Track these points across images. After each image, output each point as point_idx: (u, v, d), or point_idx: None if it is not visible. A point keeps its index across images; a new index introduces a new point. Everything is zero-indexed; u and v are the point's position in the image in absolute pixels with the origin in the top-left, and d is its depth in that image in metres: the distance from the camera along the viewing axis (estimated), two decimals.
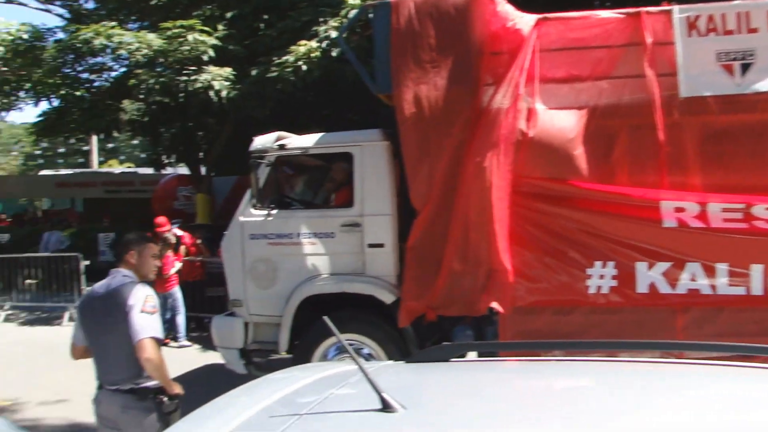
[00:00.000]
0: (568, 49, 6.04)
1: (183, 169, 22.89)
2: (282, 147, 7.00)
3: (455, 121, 6.08)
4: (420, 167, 6.21)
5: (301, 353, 6.87)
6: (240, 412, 1.90)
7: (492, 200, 5.83)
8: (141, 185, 25.90)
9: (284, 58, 11.49)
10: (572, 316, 5.99)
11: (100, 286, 4.19)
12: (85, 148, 50.58)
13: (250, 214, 7.08)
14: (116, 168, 48.26)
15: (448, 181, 6.12)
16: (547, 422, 1.81)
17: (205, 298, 12.01)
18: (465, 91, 6.09)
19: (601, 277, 5.85)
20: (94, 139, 37.13)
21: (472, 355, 3.99)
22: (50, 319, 13.57)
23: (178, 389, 4.02)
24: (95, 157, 44.88)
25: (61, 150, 57.10)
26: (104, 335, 4.01)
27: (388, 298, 6.63)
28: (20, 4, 15.74)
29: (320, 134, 7.19)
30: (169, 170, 22.82)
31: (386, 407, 1.75)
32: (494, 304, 5.95)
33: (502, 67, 6.01)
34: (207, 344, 10.84)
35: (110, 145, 53.98)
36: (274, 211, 6.98)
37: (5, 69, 14.77)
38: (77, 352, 4.28)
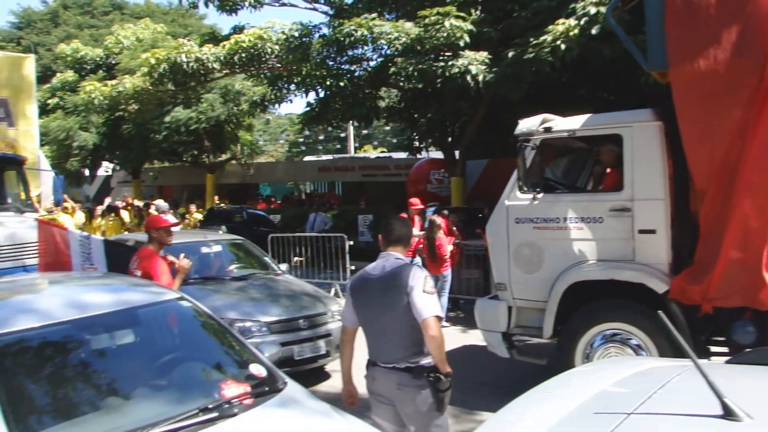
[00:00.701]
0: None
1: (435, 154, 23.41)
2: (547, 130, 6.82)
3: (740, 98, 5.54)
4: (700, 148, 5.76)
5: (565, 340, 6.71)
6: (558, 407, 1.83)
7: None
8: (395, 169, 26.91)
9: (541, 38, 11.26)
10: None
11: (373, 268, 4.29)
12: (342, 135, 53.78)
13: (516, 198, 7.00)
14: (371, 153, 50.53)
15: (728, 163, 5.61)
16: None
17: (461, 280, 12.15)
18: (751, 64, 5.51)
19: None
20: (350, 125, 39.24)
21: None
22: None
23: (449, 368, 4.08)
24: (351, 143, 47.44)
25: (321, 137, 61.14)
26: (382, 315, 4.15)
27: (659, 287, 6.22)
28: (291, 5, 16.88)
29: (586, 116, 6.90)
30: (423, 154, 23.36)
31: (729, 414, 1.59)
32: None
33: None
34: (464, 325, 11.01)
35: (365, 132, 56.71)
36: (540, 195, 6.83)
37: (279, 65, 15.97)
38: (349, 335, 4.46)
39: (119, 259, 6.85)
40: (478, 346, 8.73)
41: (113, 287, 4.79)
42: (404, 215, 11.69)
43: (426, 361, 4.07)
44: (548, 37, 11.15)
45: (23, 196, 9.29)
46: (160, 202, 16.40)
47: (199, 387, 3.90)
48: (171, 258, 6.47)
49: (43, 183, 10.68)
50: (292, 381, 4.06)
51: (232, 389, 3.72)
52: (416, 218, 11.80)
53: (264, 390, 3.84)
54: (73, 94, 25.70)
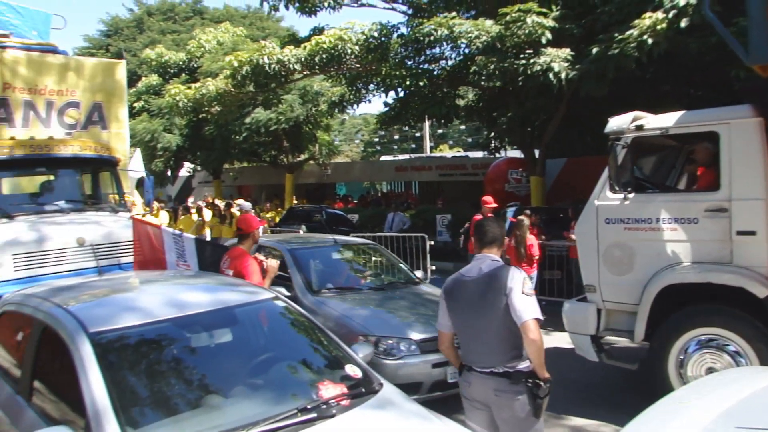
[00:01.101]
0: None
1: (512, 153, 23.14)
2: (639, 128, 6.61)
3: None
4: None
5: (658, 344, 6.49)
6: (694, 420, 1.73)
7: None
8: (472, 169, 26.69)
9: (627, 33, 10.94)
10: None
11: (468, 270, 4.24)
12: (418, 134, 53.73)
13: (606, 198, 6.81)
14: (447, 152, 50.33)
15: None
16: None
17: (543, 281, 11.94)
18: None
19: None
20: (426, 125, 39.19)
21: None
22: None
23: (547, 374, 3.98)
24: (427, 143, 47.33)
25: (396, 137, 61.25)
26: (478, 319, 4.07)
27: (760, 291, 5.94)
28: (370, 5, 16.92)
29: (679, 113, 6.66)
30: (500, 153, 23.12)
31: None
32: None
33: None
34: (546, 326, 10.80)
35: (440, 131, 56.57)
36: (631, 195, 6.64)
37: (358, 66, 16.04)
38: (446, 340, 4.39)
39: (208, 257, 6.98)
40: (564, 349, 8.57)
41: (210, 287, 4.88)
42: (479, 216, 11.62)
43: (524, 365, 4.00)
44: (634, 32, 10.82)
45: (116, 197, 9.60)
46: (243, 202, 16.67)
47: (296, 387, 3.93)
48: (260, 257, 6.55)
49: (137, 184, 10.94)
50: (387, 383, 4.04)
51: (329, 390, 3.73)
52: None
53: (360, 391, 3.84)
54: (158, 98, 26.50)
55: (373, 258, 9.37)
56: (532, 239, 10.67)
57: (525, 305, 3.90)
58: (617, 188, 6.72)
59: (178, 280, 5.27)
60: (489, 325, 4.02)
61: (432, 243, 13.62)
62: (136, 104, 28.75)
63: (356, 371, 4.08)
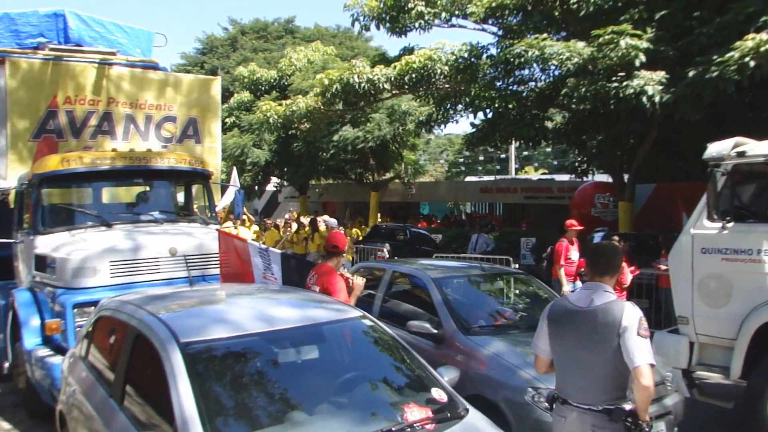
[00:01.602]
0: None
1: (599, 176, 22.65)
2: (741, 154, 6.33)
3: None
4: None
5: (757, 383, 6.17)
6: None
7: None
8: (558, 192, 26.30)
9: (727, 55, 10.54)
10: None
11: (577, 299, 3.99)
12: (503, 156, 53.33)
13: (703, 227, 6.54)
14: (533, 175, 49.74)
15: None
16: None
17: None
18: None
19: None
20: (512, 147, 38.83)
21: None
22: None
23: (648, 416, 3.75)
24: (512, 165, 46.93)
25: (481, 158, 60.95)
26: (585, 352, 3.85)
27: None
28: (460, 26, 16.92)
29: None
30: (587, 177, 22.68)
31: None
32: None
33: None
34: None
35: (525, 153, 55.97)
36: (730, 224, 6.35)
37: (447, 86, 16.03)
38: (544, 365, 4.20)
39: (294, 272, 7.03)
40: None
41: (298, 302, 4.91)
42: (563, 240, 11.37)
43: (625, 403, 3.79)
44: (735, 54, 10.42)
45: (208, 210, 9.82)
46: (329, 219, 16.84)
47: (380, 407, 3.90)
48: (347, 275, 6.56)
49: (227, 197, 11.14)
50: (473, 409, 3.95)
51: (414, 413, 3.68)
52: (575, 240, 11.40)
53: (446, 416, 3.79)
54: (249, 114, 27.17)
55: (528, 288, 8.10)
56: (624, 266, 10.36)
57: (640, 348, 3.65)
58: (715, 217, 6.44)
59: (266, 295, 5.33)
60: (596, 362, 3.80)
61: (516, 266, 13.38)
62: (227, 120, 29.58)
63: (442, 395, 4.02)
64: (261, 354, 4.16)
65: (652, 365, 3.65)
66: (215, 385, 3.82)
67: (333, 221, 16.34)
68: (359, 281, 6.38)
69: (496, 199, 31.66)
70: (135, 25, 12.98)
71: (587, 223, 16.48)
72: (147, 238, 7.94)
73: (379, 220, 27.00)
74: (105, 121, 10.86)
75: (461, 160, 64.69)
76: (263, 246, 7.61)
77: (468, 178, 46.93)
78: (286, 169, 29.66)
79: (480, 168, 64.93)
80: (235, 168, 19.72)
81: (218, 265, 7.96)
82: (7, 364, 8.43)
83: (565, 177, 28.53)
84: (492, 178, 43.04)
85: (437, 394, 3.99)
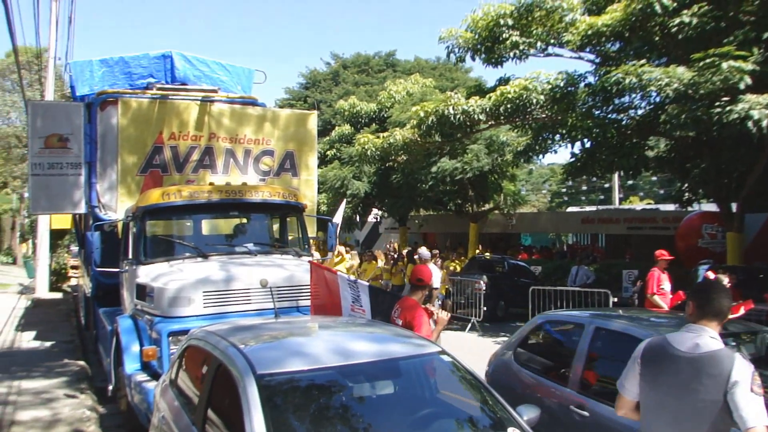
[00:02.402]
0: None
1: (706, 206, 21.70)
2: None
3: None
4: None
5: None
6: None
7: None
8: (662, 222, 25.35)
9: None
10: None
11: (679, 341, 3.57)
12: (606, 185, 52.02)
13: None
14: (637, 205, 48.23)
15: None
16: None
17: None
18: None
19: None
20: (615, 176, 37.79)
21: None
22: None
23: None
24: (615, 194, 45.67)
25: (584, 188, 59.65)
26: (682, 404, 3.47)
27: None
28: (556, 55, 16.70)
29: None
30: (693, 207, 21.78)
31: None
32: None
33: None
34: None
35: (630, 182, 54.39)
36: None
37: (544, 116, 15.80)
38: (626, 407, 3.81)
39: (381, 305, 7.03)
40: None
41: (378, 336, 4.90)
42: (655, 270, 10.91)
43: None
44: None
45: (301, 242, 10.01)
46: (423, 251, 16.82)
47: None
48: (431, 308, 6.51)
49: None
50: None
51: None
52: (666, 272, 10.94)
53: None
54: (349, 146, 27.59)
55: None
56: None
57: (753, 407, 3.24)
58: None
59: (347, 328, 5.33)
60: (692, 415, 3.42)
61: (615, 299, 12.94)
62: (328, 152, 30.15)
63: None
64: (336, 387, 4.15)
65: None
66: (288, 417, 3.85)
67: (426, 254, 16.28)
68: (444, 315, 6.32)
69: (598, 230, 30.77)
70: (243, 62, 13.52)
71: (695, 255, 15.81)
72: (239, 270, 8.14)
73: (478, 251, 26.70)
74: (206, 155, 11.29)
75: (563, 190, 63.50)
76: (352, 278, 7.66)
77: (570, 209, 45.93)
78: (386, 201, 29.88)
79: (583, 198, 63.57)
80: (345, 201, 19.96)
81: (309, 297, 8.06)
82: (110, 387, 8.78)
83: (670, 207, 27.41)
84: (594, 208, 41.95)
85: None
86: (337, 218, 16.31)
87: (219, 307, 7.71)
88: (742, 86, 11.36)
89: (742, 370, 3.31)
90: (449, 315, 6.49)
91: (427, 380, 4.56)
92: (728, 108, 11.41)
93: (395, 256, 20.60)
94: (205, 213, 9.73)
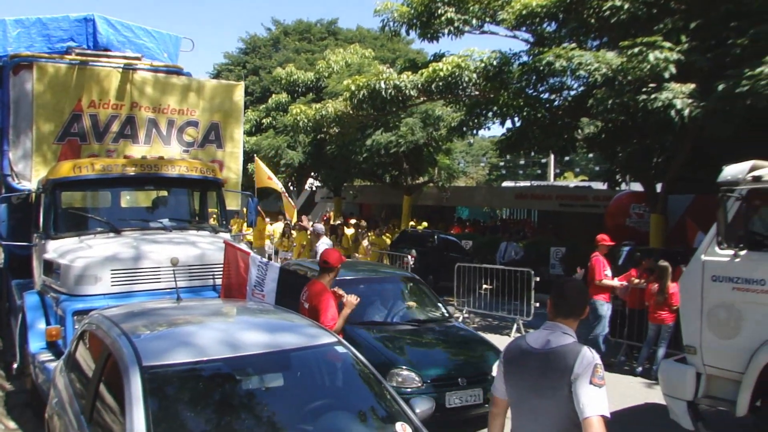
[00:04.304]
0: None
1: (637, 186, 22.14)
2: (757, 179, 6.02)
3: None
4: None
5: (765, 420, 5.85)
6: None
7: None
8: (594, 200, 25.84)
9: (758, 69, 10.12)
10: None
11: (534, 339, 3.69)
12: (543, 160, 52.68)
13: (714, 253, 6.24)
14: (571, 181, 49.03)
15: None
16: None
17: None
18: None
19: None
20: (551, 152, 38.26)
21: None
22: (500, 327, 14.10)
23: None
24: (551, 170, 46.35)
25: (522, 162, 60.29)
26: (536, 399, 3.57)
27: None
28: (491, 32, 16.64)
29: None
30: (623, 187, 22.19)
31: None
32: None
33: None
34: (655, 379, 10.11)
35: (566, 158, 55.15)
36: (743, 252, 6.04)
37: (477, 93, 15.78)
38: (499, 407, 3.89)
39: (291, 288, 6.92)
40: (661, 406, 7.91)
41: (272, 325, 4.81)
42: (597, 254, 11.06)
43: None
44: (766, 69, 10.00)
45: (214, 219, 9.79)
46: (318, 226, 16.54)
47: None
48: (340, 292, 6.43)
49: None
50: None
51: None
52: (603, 259, 11.10)
53: None
54: (285, 115, 27.18)
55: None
56: (674, 287, 9.93)
57: (591, 398, 3.34)
58: (727, 244, 6.13)
59: (245, 316, 5.25)
60: (547, 409, 3.51)
61: (538, 279, 13.10)
62: (264, 120, 29.68)
63: (407, 429, 3.86)
64: (223, 381, 4.07)
65: (603, 417, 3.33)
66: (172, 412, 3.78)
67: (320, 227, 15.97)
68: (352, 299, 6.24)
69: (532, 205, 31.19)
70: (180, 27, 13.06)
71: (622, 235, 16.06)
72: (150, 247, 7.93)
73: (413, 224, 26.77)
74: (128, 125, 10.89)
75: (502, 163, 64.00)
76: (264, 260, 7.53)
77: (505, 183, 46.42)
78: (321, 171, 29.67)
79: (521, 172, 64.24)
80: (278, 182, 19.56)
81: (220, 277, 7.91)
82: (15, 365, 8.50)
83: (603, 185, 27.97)
84: (528, 183, 42.52)
85: (401, 428, 3.83)
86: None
87: (127, 286, 7.52)
88: (667, 75, 11.49)
89: (584, 361, 3.42)
90: (358, 299, 6.40)
91: (320, 373, 4.49)
92: (653, 96, 11.52)
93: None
94: (119, 187, 9.43)
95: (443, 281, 18.15)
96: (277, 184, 17.38)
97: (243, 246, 8.43)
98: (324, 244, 13.99)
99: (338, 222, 24.05)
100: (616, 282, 11.12)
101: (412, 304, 9.44)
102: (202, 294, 7.71)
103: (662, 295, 10.18)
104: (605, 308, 10.98)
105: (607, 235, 11.72)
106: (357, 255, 17.90)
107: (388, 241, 20.73)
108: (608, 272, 11.07)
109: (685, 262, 7.22)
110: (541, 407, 3.54)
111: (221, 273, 7.86)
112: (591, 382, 3.36)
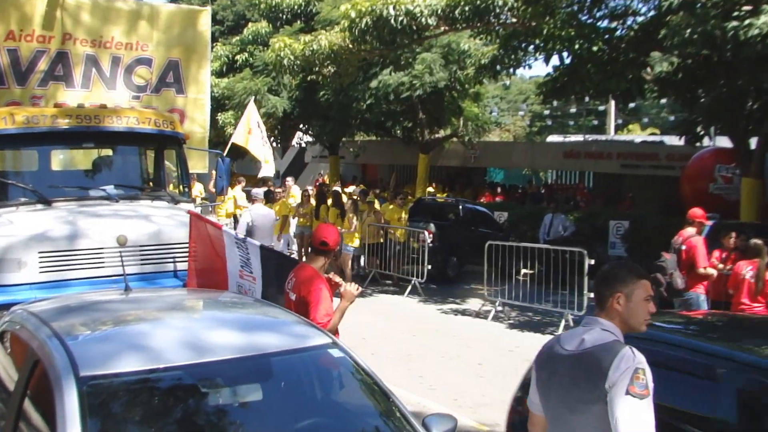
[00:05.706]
0: None
1: (724, 141, 22.02)
2: None
3: None
4: None
5: None
6: None
7: None
8: (667, 160, 25.76)
9: None
10: None
11: (568, 337, 3.67)
12: (602, 107, 52.40)
13: None
14: (637, 135, 48.81)
15: None
16: None
17: None
18: None
19: None
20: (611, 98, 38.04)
21: None
22: (543, 324, 14.24)
23: None
24: (611, 120, 46.11)
25: (572, 110, 59.95)
26: (569, 414, 3.53)
27: None
28: None
29: None
30: (705, 142, 22.05)
31: None
32: None
33: None
34: None
35: (631, 105, 54.88)
36: None
37: (514, 20, 15.63)
38: (536, 425, 3.87)
39: (274, 271, 6.91)
40: None
41: (249, 322, 4.86)
42: (689, 230, 10.99)
43: None
44: None
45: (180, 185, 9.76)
46: (257, 191, 16.44)
47: None
48: (336, 279, 6.41)
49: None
50: None
51: None
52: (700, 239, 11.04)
53: None
54: (266, 50, 26.98)
55: None
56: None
57: (625, 413, 3.25)
58: None
59: (211, 311, 5.24)
60: (580, 424, 3.47)
61: (593, 262, 13.03)
62: (238, 57, 29.50)
63: None
64: (184, 394, 4.07)
65: None
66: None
67: (258, 191, 15.73)
68: (352, 288, 6.20)
69: (586, 167, 31.07)
70: None
71: (704, 204, 15.99)
72: (90, 222, 7.95)
73: (431, 190, 26.74)
74: (59, 63, 10.89)
75: (547, 112, 63.73)
76: (240, 236, 7.52)
77: (550, 138, 46.21)
78: (312, 123, 29.54)
79: (572, 123, 63.97)
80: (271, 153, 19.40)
81: (186, 259, 7.92)
82: None
83: (678, 140, 27.83)
84: (581, 138, 42.36)
85: None
86: (268, 171, 15.93)
87: (60, 273, 7.58)
88: None
89: (622, 366, 3.31)
90: (359, 288, 6.37)
91: (309, 383, 4.51)
92: (747, 21, 11.44)
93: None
94: (49, 144, 9.40)
95: (471, 264, 18.19)
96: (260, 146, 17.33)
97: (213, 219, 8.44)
98: (253, 213, 13.41)
99: (335, 188, 23.87)
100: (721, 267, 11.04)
101: None
102: (158, 282, 7.75)
103: (759, 282, 10.13)
104: (705, 305, 10.91)
105: (683, 202, 11.67)
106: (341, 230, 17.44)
107: (398, 214, 20.03)
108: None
109: None
110: (572, 422, 3.51)
111: (185, 254, 7.86)
112: (629, 392, 3.26)
